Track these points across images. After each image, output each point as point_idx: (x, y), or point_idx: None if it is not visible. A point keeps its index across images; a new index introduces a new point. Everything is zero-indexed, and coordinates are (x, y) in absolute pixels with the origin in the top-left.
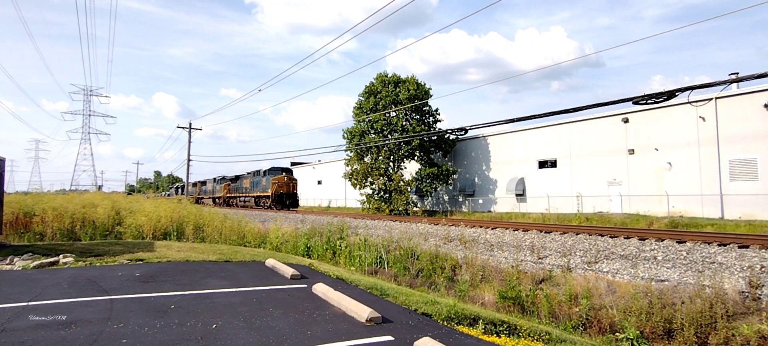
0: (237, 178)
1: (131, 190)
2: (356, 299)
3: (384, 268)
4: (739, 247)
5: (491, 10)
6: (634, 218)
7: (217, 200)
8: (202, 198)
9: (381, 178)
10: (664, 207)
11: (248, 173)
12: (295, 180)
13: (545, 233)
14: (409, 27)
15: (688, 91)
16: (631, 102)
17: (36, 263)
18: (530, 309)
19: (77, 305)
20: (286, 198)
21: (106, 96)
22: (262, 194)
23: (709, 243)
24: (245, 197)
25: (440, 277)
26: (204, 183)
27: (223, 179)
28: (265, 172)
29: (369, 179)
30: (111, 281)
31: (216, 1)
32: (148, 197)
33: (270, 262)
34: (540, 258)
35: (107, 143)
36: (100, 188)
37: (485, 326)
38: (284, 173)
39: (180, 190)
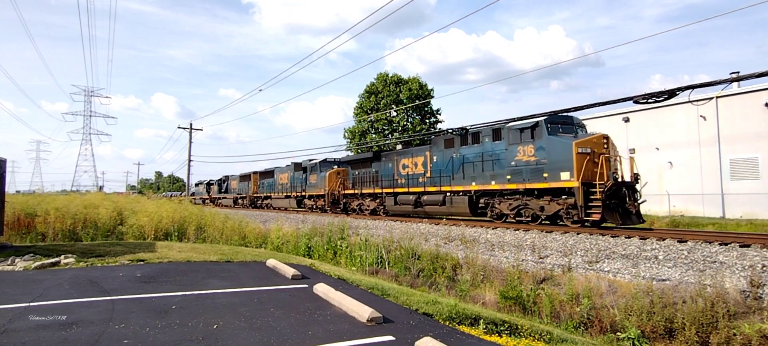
0: (377, 155)
1: (133, 189)
2: (357, 299)
3: (385, 268)
4: (741, 246)
5: (490, 10)
6: None
7: (307, 202)
8: (269, 198)
9: None
10: (665, 206)
11: (431, 145)
12: (616, 150)
13: (546, 232)
14: (408, 27)
15: (689, 91)
16: (631, 101)
17: (37, 263)
18: (532, 309)
19: (78, 306)
20: (628, 191)
21: (106, 97)
22: (532, 185)
23: (710, 242)
24: (431, 196)
25: (441, 277)
26: (268, 174)
27: (325, 162)
28: (533, 127)
29: None
30: (112, 282)
31: (215, 3)
32: (148, 198)
33: (271, 262)
34: (541, 258)
35: (108, 144)
36: (101, 188)
37: (486, 326)
38: (597, 134)
39: (220, 185)
